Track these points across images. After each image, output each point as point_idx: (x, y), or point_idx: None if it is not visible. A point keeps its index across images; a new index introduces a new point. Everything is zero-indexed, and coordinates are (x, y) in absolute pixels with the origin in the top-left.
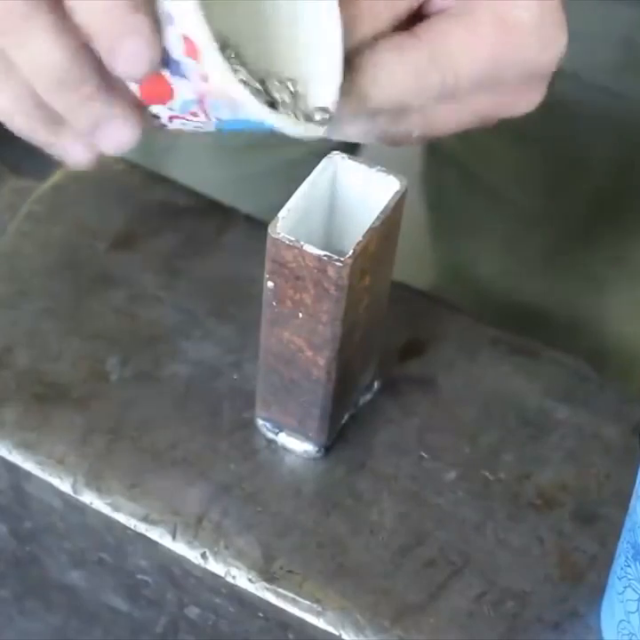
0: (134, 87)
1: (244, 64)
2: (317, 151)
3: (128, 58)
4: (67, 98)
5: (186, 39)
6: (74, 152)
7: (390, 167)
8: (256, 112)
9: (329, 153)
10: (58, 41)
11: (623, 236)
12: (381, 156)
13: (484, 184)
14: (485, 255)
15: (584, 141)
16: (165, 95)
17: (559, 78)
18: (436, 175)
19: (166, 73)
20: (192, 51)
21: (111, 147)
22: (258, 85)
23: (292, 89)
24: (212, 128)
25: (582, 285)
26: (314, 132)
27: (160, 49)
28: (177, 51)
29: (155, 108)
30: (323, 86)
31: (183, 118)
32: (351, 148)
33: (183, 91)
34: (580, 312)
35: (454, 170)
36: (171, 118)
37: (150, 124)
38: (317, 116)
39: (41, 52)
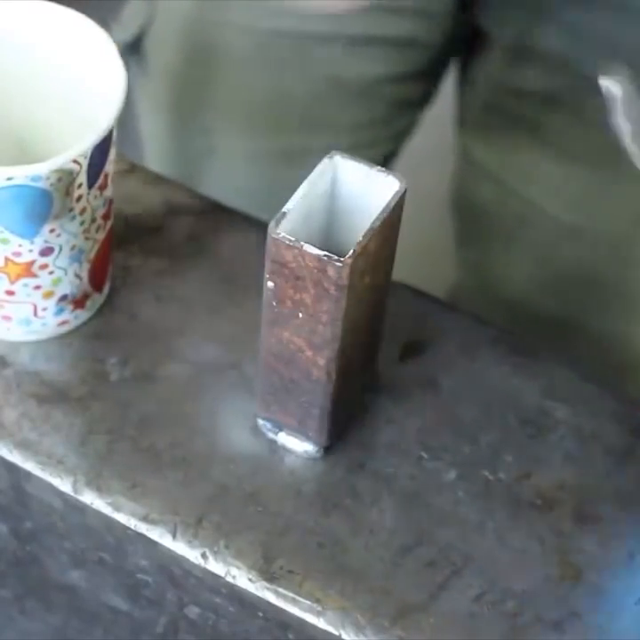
0: None
1: None
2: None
3: None
4: None
5: None
6: None
7: (423, 177)
8: None
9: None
10: None
11: None
12: (417, 167)
13: (520, 198)
14: (517, 267)
15: (623, 157)
16: None
17: (599, 92)
18: (471, 187)
19: None
20: None
21: None
22: None
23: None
24: None
25: (614, 302)
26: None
27: None
28: None
29: None
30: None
31: None
32: (390, 158)
33: None
34: (609, 328)
35: (487, 180)
36: None
37: None
38: None
39: None
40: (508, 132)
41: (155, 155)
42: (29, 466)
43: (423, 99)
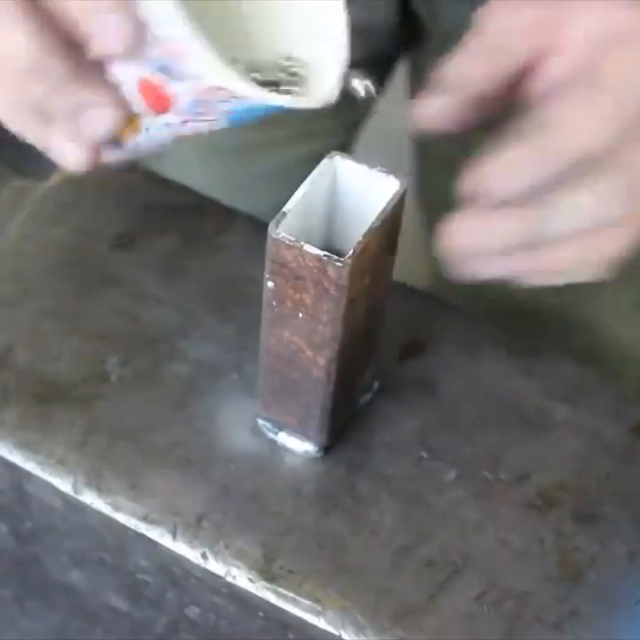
0: (139, 103)
1: (235, 60)
2: (310, 154)
3: (108, 34)
4: (39, 86)
5: (171, 42)
6: (67, 151)
7: (386, 167)
8: (257, 96)
9: (323, 154)
10: (25, 30)
11: None
12: (378, 156)
13: None
14: None
15: None
16: (166, 103)
17: None
18: (428, 175)
19: (162, 80)
20: (179, 52)
21: (96, 134)
22: (255, 75)
23: (292, 70)
24: (225, 124)
25: (579, 286)
26: (325, 99)
27: (137, 26)
28: (164, 55)
29: (165, 117)
30: (325, 72)
31: (194, 120)
32: (343, 148)
33: (183, 94)
34: (575, 312)
35: (446, 172)
36: (183, 122)
37: (165, 134)
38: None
39: (9, 42)
40: None
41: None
42: (29, 466)
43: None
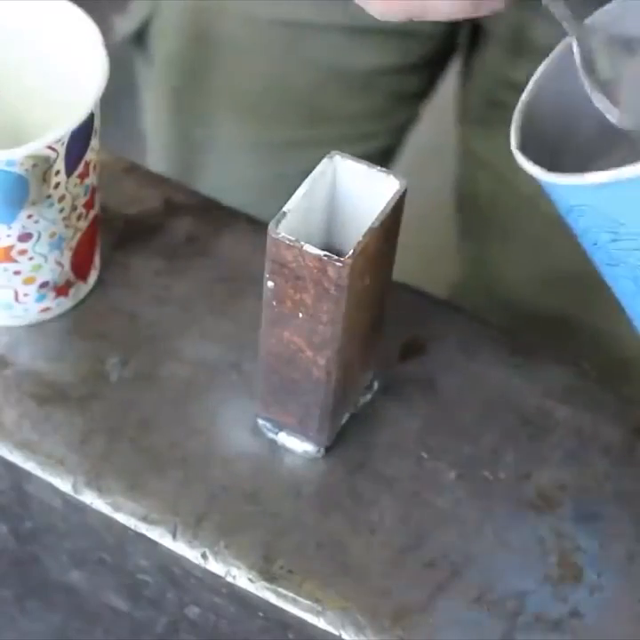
0: None
1: None
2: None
3: None
4: None
5: None
6: None
7: (426, 170)
8: None
9: (371, 157)
10: None
11: None
12: (418, 160)
13: (515, 192)
14: (514, 260)
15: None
16: None
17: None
18: (470, 178)
19: None
20: None
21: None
22: None
23: None
24: None
25: (579, 286)
26: None
27: None
28: None
29: None
30: None
31: None
32: (389, 152)
33: None
34: (575, 313)
35: (487, 174)
36: None
37: None
38: None
39: None
40: (508, 125)
41: (157, 147)
42: (29, 466)
43: (423, 92)
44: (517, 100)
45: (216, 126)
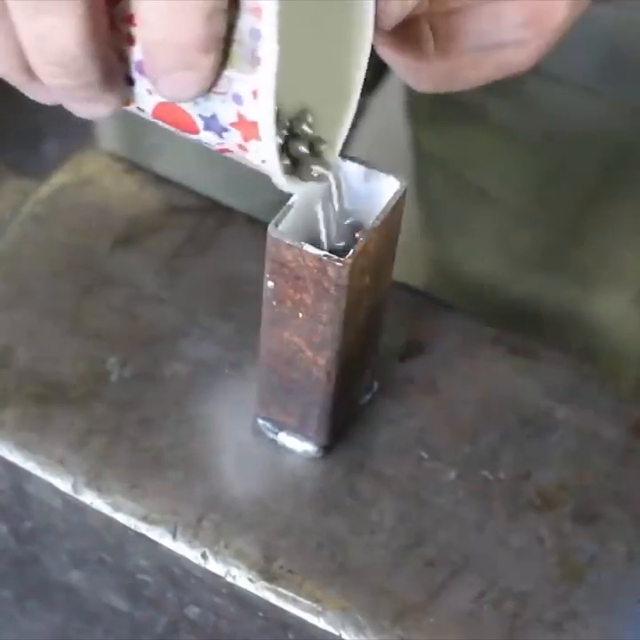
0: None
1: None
2: None
3: (178, 84)
4: (62, 81)
5: (244, 118)
6: (43, 96)
7: (386, 167)
8: (277, 181)
9: None
10: (79, 26)
11: (611, 235)
12: (373, 156)
13: (470, 184)
14: (475, 254)
15: (570, 142)
16: (192, 128)
17: (543, 79)
18: (423, 175)
19: (197, 118)
20: (247, 131)
21: (83, 115)
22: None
23: (309, 130)
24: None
25: (571, 284)
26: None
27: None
28: (228, 119)
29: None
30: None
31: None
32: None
33: (211, 140)
34: (569, 311)
35: (439, 170)
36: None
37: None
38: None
39: (54, 31)
40: (456, 121)
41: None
42: (29, 466)
43: (366, 88)
44: (463, 93)
45: (161, 135)
